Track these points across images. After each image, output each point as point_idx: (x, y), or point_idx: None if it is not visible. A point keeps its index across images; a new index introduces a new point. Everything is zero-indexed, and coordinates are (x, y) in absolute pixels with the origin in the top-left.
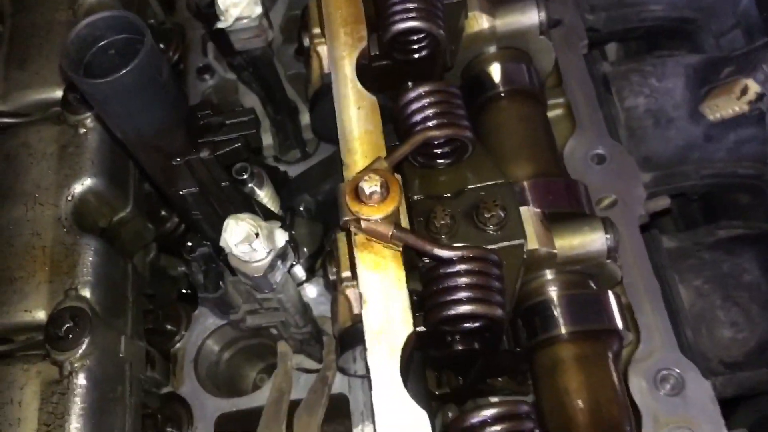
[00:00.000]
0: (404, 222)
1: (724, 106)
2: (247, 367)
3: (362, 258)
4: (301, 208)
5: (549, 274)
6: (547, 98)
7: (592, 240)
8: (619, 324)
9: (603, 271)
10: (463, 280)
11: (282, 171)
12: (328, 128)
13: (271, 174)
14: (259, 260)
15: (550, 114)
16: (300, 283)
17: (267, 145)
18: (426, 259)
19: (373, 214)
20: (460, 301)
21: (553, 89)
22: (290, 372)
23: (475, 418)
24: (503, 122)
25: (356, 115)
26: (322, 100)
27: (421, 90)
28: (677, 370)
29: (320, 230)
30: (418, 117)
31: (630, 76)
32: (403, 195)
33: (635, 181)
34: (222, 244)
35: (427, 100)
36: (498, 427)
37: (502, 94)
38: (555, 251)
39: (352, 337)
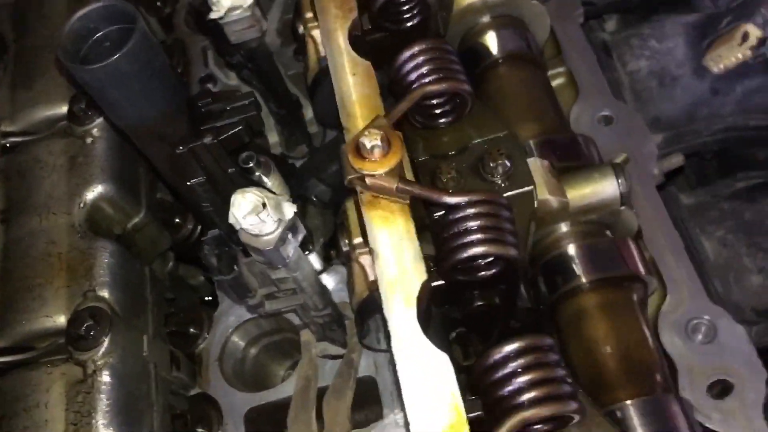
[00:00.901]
0: (410, 178)
1: (727, 55)
2: (274, 364)
3: (370, 215)
4: (314, 198)
5: (564, 227)
6: (546, 65)
7: (603, 187)
8: (641, 269)
9: (619, 219)
10: (474, 223)
11: (290, 162)
12: (330, 113)
13: (278, 164)
14: (269, 233)
15: (552, 84)
16: (317, 273)
17: (273, 143)
18: (435, 215)
19: (377, 168)
20: (471, 243)
21: (553, 60)
22: (315, 359)
23: (498, 355)
24: (503, 87)
25: (352, 82)
26: (322, 84)
27: (415, 48)
28: (707, 318)
29: (333, 219)
30: (413, 75)
31: (630, 41)
32: (405, 148)
33: (645, 138)
34: (231, 220)
35: (422, 57)
36: (522, 360)
37: (500, 61)
38: (566, 200)
39: (370, 306)
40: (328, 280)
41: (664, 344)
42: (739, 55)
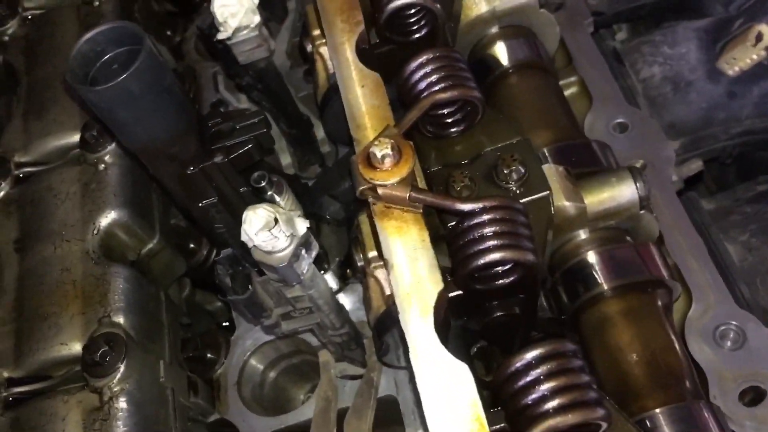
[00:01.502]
0: (422, 187)
1: (741, 57)
2: (294, 387)
3: (383, 225)
4: (327, 217)
5: (583, 234)
6: (557, 74)
7: (621, 191)
8: (664, 273)
9: (639, 224)
10: (489, 230)
11: (302, 181)
12: (341, 130)
13: (291, 183)
14: (282, 249)
15: (565, 93)
16: (334, 293)
17: (286, 164)
18: (449, 224)
19: (388, 178)
20: (487, 250)
21: (564, 69)
22: (334, 380)
23: (519, 362)
24: (515, 96)
25: (361, 93)
26: (331, 101)
27: (423, 57)
28: (735, 323)
29: (348, 237)
30: (422, 84)
31: (641, 48)
32: (416, 156)
33: (662, 144)
34: (243, 237)
35: (431, 66)
36: (545, 367)
37: (510, 70)
38: (584, 206)
39: (388, 321)
40: (345, 300)
41: (692, 352)
42: (754, 56)
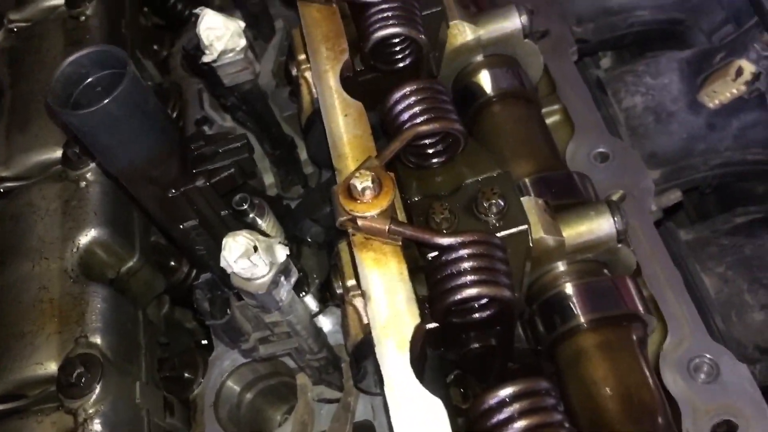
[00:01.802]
0: (402, 219)
1: (722, 91)
2: (271, 409)
3: (362, 257)
4: (309, 239)
5: (561, 266)
6: (540, 103)
7: (599, 224)
8: (640, 307)
9: (616, 257)
10: (467, 265)
11: (284, 203)
12: (324, 154)
13: (273, 206)
14: (261, 276)
15: (547, 121)
16: (314, 315)
17: (269, 184)
18: (428, 257)
19: (368, 210)
20: (464, 285)
21: (548, 97)
22: (311, 403)
23: (493, 399)
24: (498, 125)
25: (344, 123)
26: (315, 125)
27: (406, 89)
28: (709, 356)
29: (328, 260)
30: (405, 115)
31: (624, 77)
32: (396, 189)
33: (642, 174)
34: (222, 263)
35: (414, 98)
36: (518, 405)
37: (494, 99)
38: (562, 239)
39: (365, 349)
40: (325, 322)
41: (666, 384)
42: (734, 90)
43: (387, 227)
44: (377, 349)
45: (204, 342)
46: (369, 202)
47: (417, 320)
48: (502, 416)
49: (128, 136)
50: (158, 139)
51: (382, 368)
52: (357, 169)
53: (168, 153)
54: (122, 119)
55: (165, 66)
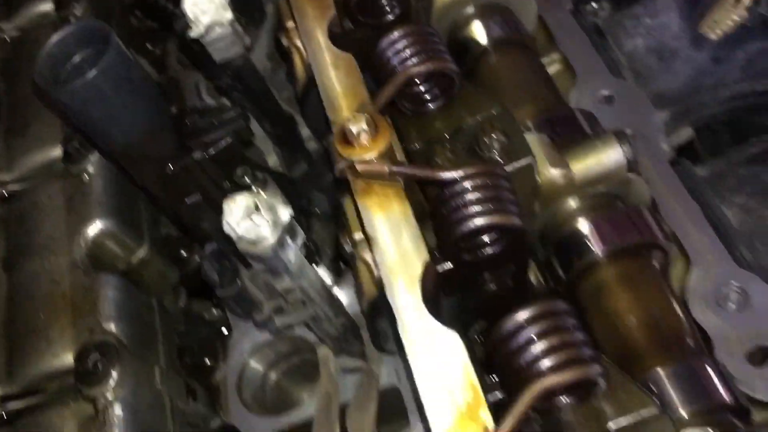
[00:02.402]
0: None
1: (723, 19)
2: (297, 389)
3: (365, 202)
4: (317, 211)
5: (572, 202)
6: (538, 49)
7: (607, 155)
8: (659, 235)
9: (629, 189)
10: (472, 196)
11: (289, 177)
12: (322, 120)
13: (278, 179)
14: (266, 237)
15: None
16: (329, 288)
17: (273, 164)
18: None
19: (366, 153)
20: (472, 216)
21: (546, 47)
22: (334, 375)
23: (511, 323)
24: (496, 73)
25: (335, 75)
26: (310, 94)
27: (394, 34)
28: (737, 284)
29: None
30: (396, 60)
31: (623, 22)
32: (392, 129)
33: (650, 114)
34: (226, 229)
35: (404, 41)
36: (537, 327)
37: (489, 49)
38: (570, 173)
39: (380, 305)
40: (341, 295)
41: (696, 318)
42: (735, 17)
43: (387, 168)
44: (387, 291)
45: (224, 331)
46: (366, 146)
47: (425, 257)
48: (521, 339)
49: (118, 108)
50: (149, 111)
51: (393, 307)
52: (351, 114)
53: (161, 126)
54: (110, 91)
55: (161, 65)
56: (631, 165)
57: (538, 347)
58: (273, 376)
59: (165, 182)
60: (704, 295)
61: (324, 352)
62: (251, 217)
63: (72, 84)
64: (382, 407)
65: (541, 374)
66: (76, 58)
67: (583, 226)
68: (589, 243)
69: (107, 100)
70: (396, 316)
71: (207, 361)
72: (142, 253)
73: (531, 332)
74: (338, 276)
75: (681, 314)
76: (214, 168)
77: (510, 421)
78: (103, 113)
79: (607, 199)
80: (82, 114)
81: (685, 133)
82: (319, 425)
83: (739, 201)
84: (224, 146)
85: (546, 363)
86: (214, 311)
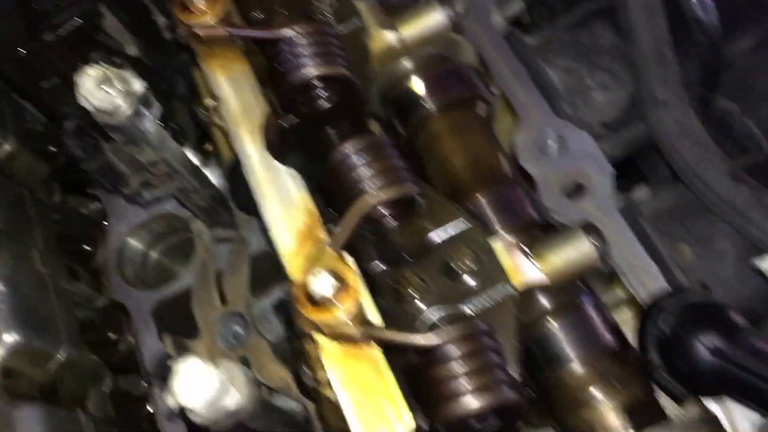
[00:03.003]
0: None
1: None
2: (177, 265)
3: (208, 64)
4: (177, 92)
5: (406, 63)
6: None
7: (432, 16)
8: (480, 87)
9: (456, 49)
10: (303, 50)
11: (146, 63)
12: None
13: (135, 66)
14: (121, 105)
15: None
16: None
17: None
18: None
19: (205, 17)
20: (302, 66)
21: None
22: (208, 245)
23: (339, 152)
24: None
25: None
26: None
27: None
28: (556, 133)
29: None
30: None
31: None
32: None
33: None
34: (81, 102)
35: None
36: (364, 156)
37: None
38: (402, 35)
39: (238, 166)
40: (210, 174)
41: (523, 166)
42: None
43: (225, 31)
44: (235, 143)
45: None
46: (204, 10)
47: (265, 108)
48: (350, 162)
49: None
50: None
51: (239, 154)
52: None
53: (5, 7)
54: None
55: None
56: (455, 24)
57: (362, 171)
58: (153, 255)
59: (22, 69)
60: (529, 145)
61: (197, 225)
62: (104, 88)
63: None
64: (257, 271)
65: (364, 192)
66: None
67: (416, 83)
68: (420, 99)
69: None
70: (242, 161)
71: (86, 247)
72: (8, 147)
73: (357, 159)
74: (205, 156)
75: (500, 154)
76: (66, 51)
77: (341, 234)
78: None
79: (437, 58)
80: None
81: (516, 5)
82: (197, 290)
83: (563, 63)
84: (74, 27)
85: (369, 184)
86: (91, 206)
